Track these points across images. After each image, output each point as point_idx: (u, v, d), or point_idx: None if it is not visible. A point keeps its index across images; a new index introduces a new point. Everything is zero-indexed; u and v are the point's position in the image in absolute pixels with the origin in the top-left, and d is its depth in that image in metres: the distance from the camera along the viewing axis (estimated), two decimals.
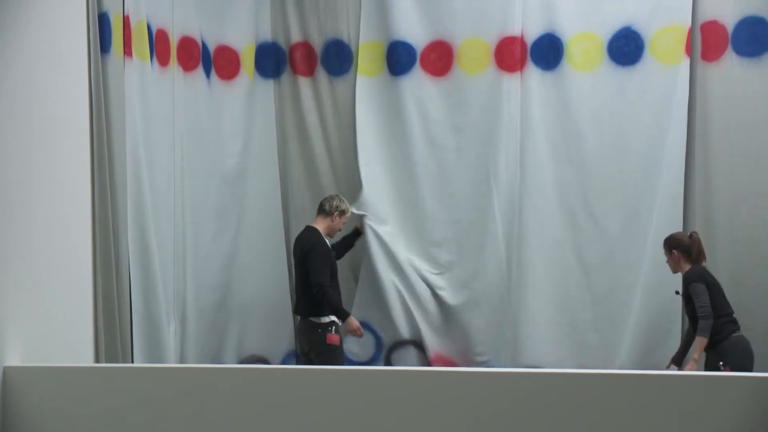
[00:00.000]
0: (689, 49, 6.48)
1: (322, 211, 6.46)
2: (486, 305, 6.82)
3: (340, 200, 6.49)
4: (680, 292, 5.94)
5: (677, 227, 6.32)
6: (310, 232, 6.42)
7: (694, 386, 3.75)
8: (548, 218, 6.77)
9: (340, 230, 6.54)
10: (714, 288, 5.78)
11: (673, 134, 6.50)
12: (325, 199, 6.54)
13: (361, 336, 6.40)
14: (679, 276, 6.00)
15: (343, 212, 6.45)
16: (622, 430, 3.74)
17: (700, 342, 5.66)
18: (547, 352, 6.73)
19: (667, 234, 6.10)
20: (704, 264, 5.96)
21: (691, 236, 5.94)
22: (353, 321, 6.31)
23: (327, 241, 6.40)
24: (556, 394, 3.82)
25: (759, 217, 6.35)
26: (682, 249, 5.91)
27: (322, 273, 6.20)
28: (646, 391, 3.74)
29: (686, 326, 6.18)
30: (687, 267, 5.89)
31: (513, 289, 6.80)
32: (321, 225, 6.41)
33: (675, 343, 6.27)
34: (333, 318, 6.26)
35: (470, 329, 6.84)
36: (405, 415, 3.94)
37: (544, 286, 6.77)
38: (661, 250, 6.07)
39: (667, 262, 6.01)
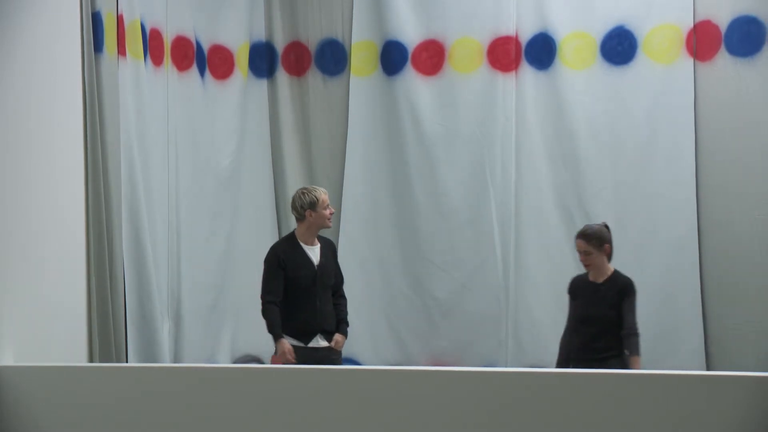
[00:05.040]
0: (691, 49, 6.48)
1: (296, 219, 5.70)
2: (484, 305, 6.81)
3: (301, 195, 5.60)
4: (604, 292, 5.15)
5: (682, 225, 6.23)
6: (282, 238, 5.92)
7: (695, 386, 3.75)
8: (544, 217, 6.76)
9: (328, 227, 5.71)
10: None
11: (678, 136, 6.49)
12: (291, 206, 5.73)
13: (292, 362, 5.45)
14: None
15: (311, 204, 5.53)
16: (622, 429, 3.74)
17: (636, 362, 4.96)
18: (547, 351, 6.70)
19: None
20: None
21: (607, 228, 5.21)
22: (284, 344, 5.48)
23: (304, 247, 5.61)
24: (556, 394, 3.82)
25: (752, 216, 6.35)
26: (610, 243, 5.13)
27: (265, 285, 5.60)
28: (646, 391, 3.74)
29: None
30: (610, 266, 5.17)
31: (510, 289, 6.79)
32: (299, 230, 5.68)
33: (683, 347, 6.24)
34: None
35: (468, 330, 6.83)
36: (403, 415, 3.93)
37: (543, 285, 6.76)
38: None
39: (586, 258, 5.19)
